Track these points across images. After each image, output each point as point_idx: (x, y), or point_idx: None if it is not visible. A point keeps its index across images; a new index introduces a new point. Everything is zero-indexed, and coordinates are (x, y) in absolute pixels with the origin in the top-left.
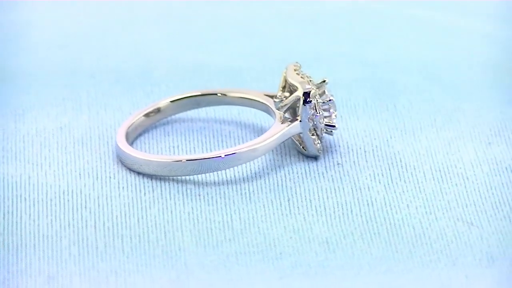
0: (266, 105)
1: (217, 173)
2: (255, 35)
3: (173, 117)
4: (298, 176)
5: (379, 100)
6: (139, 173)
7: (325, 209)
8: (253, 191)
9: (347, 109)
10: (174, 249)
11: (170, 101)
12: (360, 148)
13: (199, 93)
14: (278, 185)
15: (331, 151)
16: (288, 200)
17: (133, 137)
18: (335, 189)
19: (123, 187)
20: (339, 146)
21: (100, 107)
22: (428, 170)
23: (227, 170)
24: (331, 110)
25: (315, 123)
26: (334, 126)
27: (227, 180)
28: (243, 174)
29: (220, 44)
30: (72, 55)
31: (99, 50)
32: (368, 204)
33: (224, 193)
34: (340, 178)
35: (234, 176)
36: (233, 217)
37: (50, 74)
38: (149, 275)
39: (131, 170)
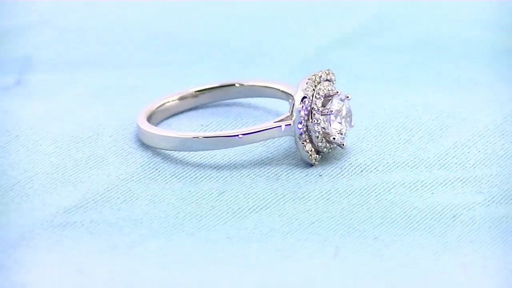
0: (288, 94)
1: (198, 155)
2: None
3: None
4: (265, 176)
5: (442, 132)
6: (135, 142)
7: (237, 209)
8: (205, 178)
9: (406, 134)
10: (52, 210)
11: (195, 91)
12: (357, 167)
13: (219, 84)
14: (233, 178)
15: (330, 163)
16: (220, 194)
17: (161, 117)
18: (275, 195)
19: (103, 146)
20: (344, 161)
21: (186, 79)
22: (387, 204)
23: (208, 153)
24: (331, 121)
25: (308, 130)
26: (334, 138)
27: (197, 163)
28: (220, 161)
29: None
30: (189, 25)
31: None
32: (280, 215)
33: (178, 173)
34: (299, 187)
35: (211, 161)
36: (150, 194)
37: (161, 38)
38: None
39: (147, 144)
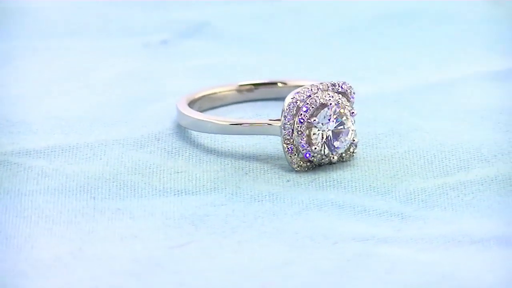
0: None
1: (210, 137)
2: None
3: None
4: (238, 169)
5: (451, 171)
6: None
7: (168, 189)
8: (183, 156)
9: (420, 166)
10: (9, 148)
11: (239, 85)
12: (329, 182)
13: (267, 81)
14: (206, 163)
15: (314, 173)
16: (174, 173)
17: (208, 105)
18: (216, 185)
19: (143, 112)
20: (326, 174)
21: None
22: (299, 219)
23: (219, 138)
24: (312, 131)
25: (293, 136)
26: (315, 148)
27: (198, 144)
28: (222, 147)
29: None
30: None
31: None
32: (191, 203)
33: (170, 148)
34: (251, 185)
35: (215, 146)
36: (116, 158)
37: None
38: None
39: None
